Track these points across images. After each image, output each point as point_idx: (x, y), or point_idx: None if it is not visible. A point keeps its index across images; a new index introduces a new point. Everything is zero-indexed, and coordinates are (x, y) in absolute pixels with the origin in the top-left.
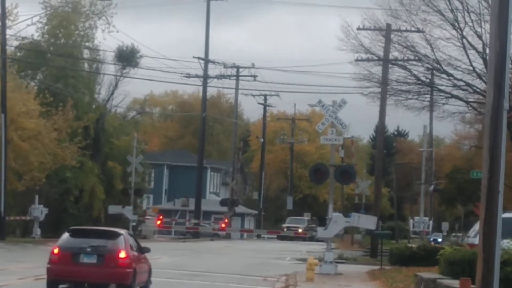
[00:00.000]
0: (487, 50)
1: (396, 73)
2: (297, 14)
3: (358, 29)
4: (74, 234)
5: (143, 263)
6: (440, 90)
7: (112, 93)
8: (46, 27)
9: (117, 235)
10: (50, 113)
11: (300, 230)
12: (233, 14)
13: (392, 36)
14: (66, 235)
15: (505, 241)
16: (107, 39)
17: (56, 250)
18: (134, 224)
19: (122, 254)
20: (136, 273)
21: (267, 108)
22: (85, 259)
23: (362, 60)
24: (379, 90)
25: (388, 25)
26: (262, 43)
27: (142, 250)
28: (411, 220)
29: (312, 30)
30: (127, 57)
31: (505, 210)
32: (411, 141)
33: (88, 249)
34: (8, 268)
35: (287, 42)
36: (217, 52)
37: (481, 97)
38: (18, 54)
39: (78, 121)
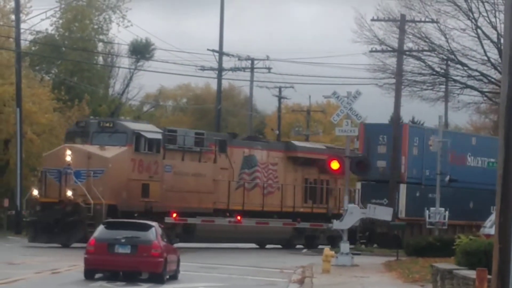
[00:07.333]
0: (502, 40)
1: (410, 64)
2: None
3: (372, 20)
4: (108, 226)
5: (173, 253)
6: (455, 81)
7: (127, 86)
8: (60, 21)
9: (149, 226)
10: (66, 108)
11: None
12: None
13: (406, 27)
14: (101, 227)
15: None
16: (121, 32)
17: (92, 241)
18: None
19: (154, 245)
20: (166, 262)
21: (282, 100)
22: (119, 249)
23: (376, 51)
24: (393, 81)
25: (403, 16)
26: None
27: (171, 241)
28: (427, 211)
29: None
30: (141, 50)
31: None
32: None
33: (122, 240)
34: (25, 262)
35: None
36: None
37: (496, 87)
38: (33, 48)
39: (93, 115)
